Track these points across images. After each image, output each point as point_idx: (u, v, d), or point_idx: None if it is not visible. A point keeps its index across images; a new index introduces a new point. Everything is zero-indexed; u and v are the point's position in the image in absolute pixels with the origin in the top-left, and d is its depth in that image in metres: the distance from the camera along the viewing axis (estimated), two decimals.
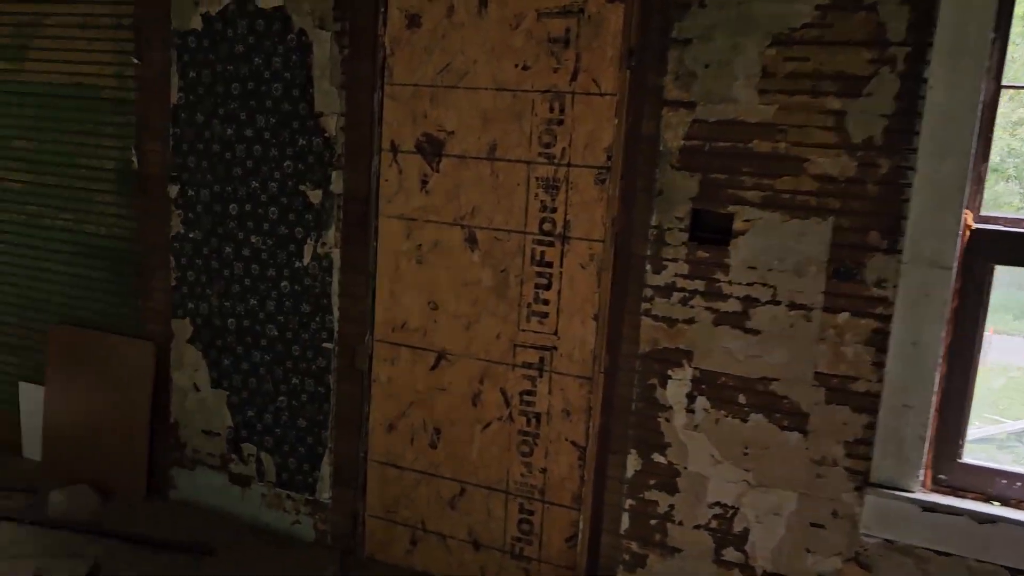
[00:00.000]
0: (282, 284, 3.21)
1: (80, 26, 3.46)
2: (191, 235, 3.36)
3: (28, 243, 3.73)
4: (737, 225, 2.47)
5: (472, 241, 2.84)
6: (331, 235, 3.09)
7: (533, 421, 2.83)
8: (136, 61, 3.35)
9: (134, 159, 3.43)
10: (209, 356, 3.40)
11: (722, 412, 2.55)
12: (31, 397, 3.78)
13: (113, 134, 3.47)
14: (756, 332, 2.48)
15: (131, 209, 3.48)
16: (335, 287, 3.11)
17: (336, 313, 3.12)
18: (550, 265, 2.74)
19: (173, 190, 3.36)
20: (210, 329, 3.38)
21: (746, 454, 2.53)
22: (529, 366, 2.81)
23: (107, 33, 3.41)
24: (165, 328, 3.47)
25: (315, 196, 3.09)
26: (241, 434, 3.37)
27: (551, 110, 2.68)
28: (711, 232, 2.51)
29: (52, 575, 2.90)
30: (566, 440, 2.79)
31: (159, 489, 3.56)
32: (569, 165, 2.67)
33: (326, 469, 3.21)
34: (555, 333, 2.76)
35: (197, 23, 3.21)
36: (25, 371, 3.82)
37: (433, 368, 2.97)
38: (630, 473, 2.69)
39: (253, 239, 3.24)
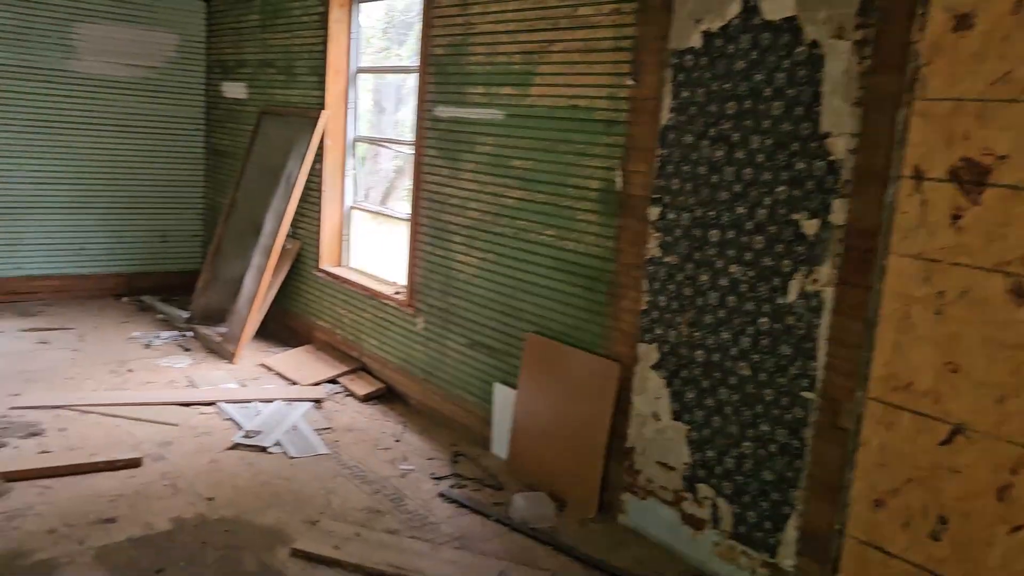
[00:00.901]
0: (760, 320, 2.93)
1: (581, 51, 3.59)
2: (666, 259, 3.26)
3: (515, 255, 4.00)
4: None
5: (1019, 294, 2.25)
6: (825, 271, 2.72)
7: None
8: (631, 82, 3.35)
9: (618, 180, 3.45)
10: (672, 386, 3.26)
11: None
12: (504, 398, 4.04)
13: (601, 155, 3.53)
14: None
15: (610, 229, 3.50)
16: (823, 330, 2.74)
17: (821, 360, 2.75)
18: None
19: (653, 212, 3.30)
20: (676, 358, 3.24)
21: None
22: None
23: (605, 56, 3.48)
24: (631, 351, 3.42)
25: (810, 226, 2.76)
26: (698, 473, 3.17)
27: None
28: None
29: None
30: None
31: (609, 510, 3.53)
32: None
33: (791, 533, 2.86)
34: None
35: (696, 41, 3.09)
36: (501, 373, 4.11)
37: (944, 443, 2.43)
38: None
39: (732, 269, 3.01)
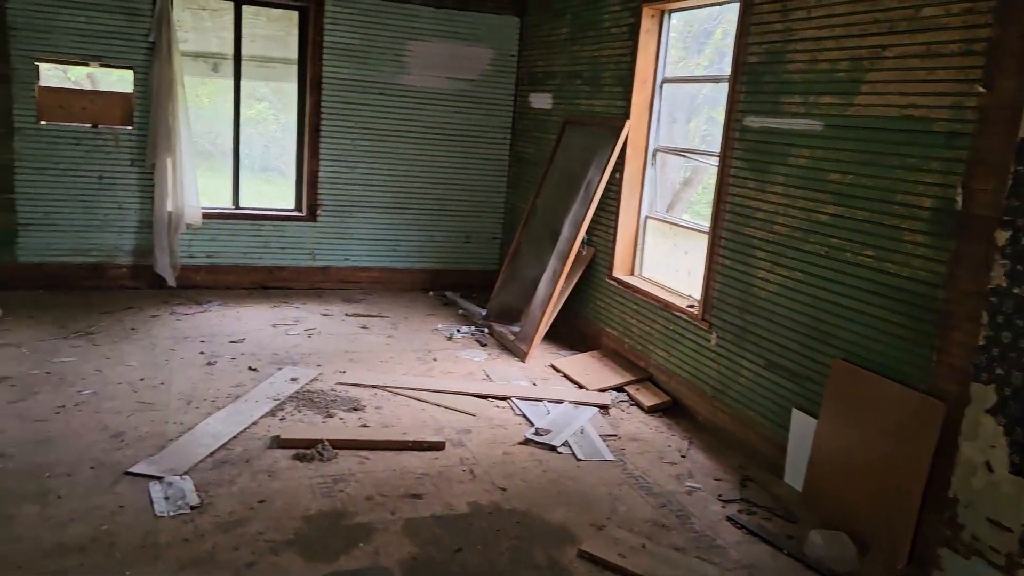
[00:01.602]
0: None
1: (921, 56, 3.26)
2: (1015, 290, 2.85)
3: (825, 275, 3.74)
4: None
5: None
6: None
7: None
8: (983, 89, 2.99)
9: (958, 198, 3.09)
10: (1013, 435, 2.85)
11: None
12: (802, 426, 3.80)
13: (937, 170, 3.19)
14: None
15: (943, 253, 3.15)
16: None
17: None
18: None
19: (1002, 236, 2.91)
20: (1020, 404, 2.83)
21: None
22: None
23: (951, 61, 3.13)
24: (961, 390, 3.05)
25: None
26: None
27: None
28: None
29: None
30: None
31: (921, 563, 3.18)
32: None
33: None
34: None
35: None
36: (800, 399, 3.87)
37: None
38: None
39: None
